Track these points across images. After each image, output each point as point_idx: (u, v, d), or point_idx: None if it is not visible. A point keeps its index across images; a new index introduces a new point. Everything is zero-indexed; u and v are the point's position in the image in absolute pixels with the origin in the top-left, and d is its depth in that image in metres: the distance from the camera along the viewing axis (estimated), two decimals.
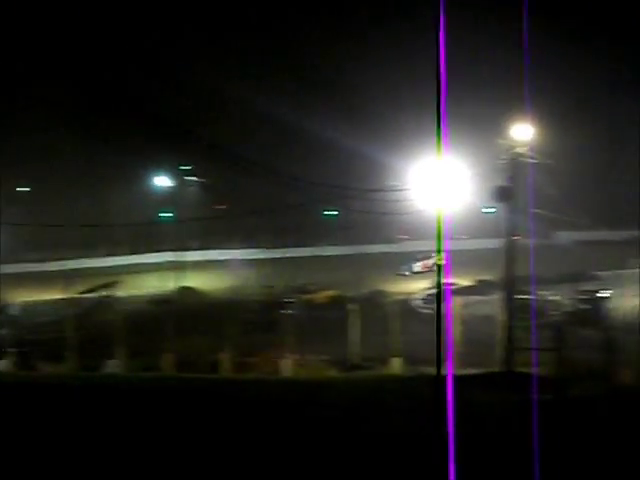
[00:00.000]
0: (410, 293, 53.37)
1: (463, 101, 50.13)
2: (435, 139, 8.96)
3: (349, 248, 73.82)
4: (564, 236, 73.87)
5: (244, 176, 72.52)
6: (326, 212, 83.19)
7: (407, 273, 65.94)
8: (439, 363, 9.32)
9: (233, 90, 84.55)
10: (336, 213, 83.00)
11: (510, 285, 31.43)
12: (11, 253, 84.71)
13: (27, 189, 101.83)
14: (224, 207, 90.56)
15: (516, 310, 30.96)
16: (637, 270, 47.54)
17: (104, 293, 53.17)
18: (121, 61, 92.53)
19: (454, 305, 32.40)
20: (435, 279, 9.81)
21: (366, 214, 61.40)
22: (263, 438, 17.55)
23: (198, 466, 15.75)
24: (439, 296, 9.73)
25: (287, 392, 25.55)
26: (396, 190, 55.36)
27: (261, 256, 76.13)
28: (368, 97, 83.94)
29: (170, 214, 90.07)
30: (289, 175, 64.84)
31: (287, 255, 75.96)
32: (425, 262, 65.63)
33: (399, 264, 65.70)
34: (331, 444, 16.94)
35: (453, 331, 28.89)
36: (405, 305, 45.06)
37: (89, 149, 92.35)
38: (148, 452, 16.49)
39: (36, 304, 57.42)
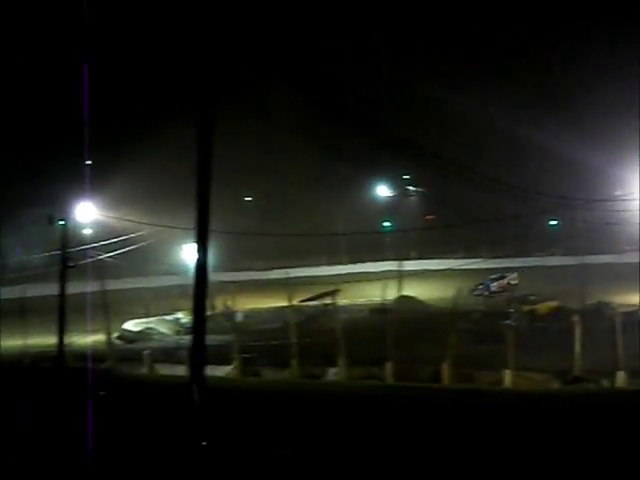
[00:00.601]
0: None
1: None
2: None
3: (573, 258, 71.86)
4: None
5: (464, 186, 71.92)
6: (550, 222, 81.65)
7: (486, 293, 65.63)
8: None
9: (456, 101, 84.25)
10: (558, 223, 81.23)
11: None
12: (236, 261, 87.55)
13: (250, 199, 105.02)
14: (432, 217, 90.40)
15: None
16: None
17: (326, 301, 53.93)
18: (347, 71, 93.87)
19: None
20: None
21: (590, 224, 59.76)
22: (493, 450, 17.22)
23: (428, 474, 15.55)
24: None
25: (508, 403, 25.11)
26: (622, 200, 53.79)
27: (482, 266, 75.26)
28: (591, 107, 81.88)
29: (390, 223, 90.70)
30: (510, 185, 63.90)
31: (508, 265, 74.78)
32: (501, 282, 67.72)
33: (624, 276, 63.45)
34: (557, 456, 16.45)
35: None
36: (631, 317, 43.38)
37: (311, 159, 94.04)
38: (376, 461, 16.45)
39: (260, 311, 59.06)
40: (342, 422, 20.87)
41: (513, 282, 68.40)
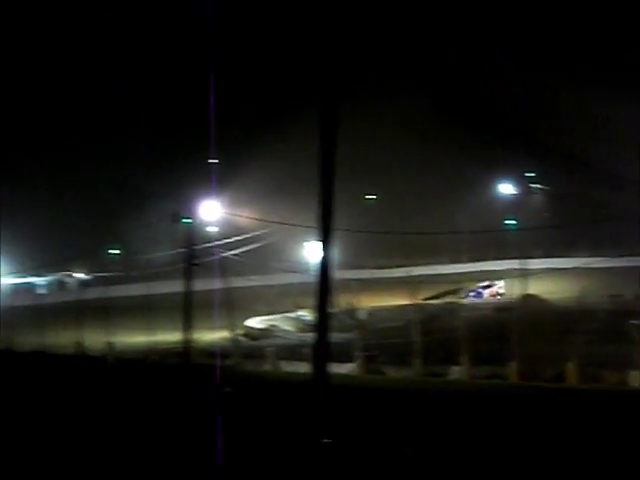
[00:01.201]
0: None
1: None
2: None
3: None
4: None
5: (590, 184, 70.74)
6: None
7: (478, 301, 64.25)
8: None
9: (585, 98, 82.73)
10: None
11: None
12: (359, 259, 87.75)
13: (373, 197, 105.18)
14: (547, 215, 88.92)
15: None
16: None
17: (448, 300, 53.63)
18: (473, 69, 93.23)
19: None
20: None
21: None
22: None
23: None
24: None
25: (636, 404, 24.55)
26: None
27: (607, 265, 73.64)
28: None
29: (514, 221, 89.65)
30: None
31: (635, 264, 72.98)
32: (491, 290, 68.57)
33: None
34: None
35: None
36: None
37: (435, 157, 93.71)
38: (502, 463, 16.26)
39: (382, 309, 59.05)
40: (467, 422, 20.70)
41: (501, 291, 69.03)
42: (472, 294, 66.26)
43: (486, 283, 69.76)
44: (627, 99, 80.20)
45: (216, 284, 44.51)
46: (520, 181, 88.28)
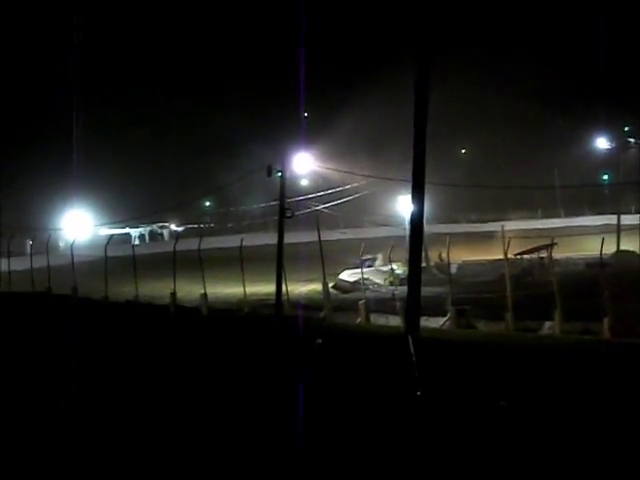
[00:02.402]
0: None
1: None
2: None
3: None
4: None
5: None
6: None
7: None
8: None
9: None
10: None
11: None
12: (451, 214, 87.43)
13: (464, 151, 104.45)
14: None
15: None
16: None
17: (541, 255, 53.12)
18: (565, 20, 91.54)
19: None
20: None
21: None
22: None
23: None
24: None
25: None
26: None
27: None
28: None
29: (609, 176, 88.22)
30: None
31: None
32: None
33: None
34: None
35: None
36: None
37: (531, 111, 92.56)
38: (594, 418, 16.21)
39: (474, 264, 58.80)
40: (558, 376, 20.65)
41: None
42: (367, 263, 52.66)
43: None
44: None
45: (308, 237, 44.84)
46: (618, 135, 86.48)
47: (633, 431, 15.11)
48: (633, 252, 59.86)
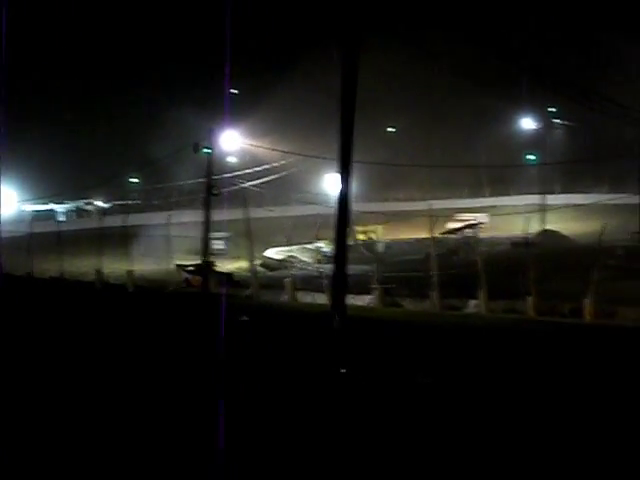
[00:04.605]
0: None
1: None
2: None
3: None
4: None
5: (612, 120, 69.97)
6: None
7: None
8: None
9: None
10: None
11: None
12: (378, 192, 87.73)
13: (392, 129, 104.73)
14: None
15: None
16: None
17: (467, 234, 53.67)
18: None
19: None
20: None
21: None
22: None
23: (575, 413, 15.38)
24: None
25: None
26: None
27: (628, 202, 73.39)
28: None
29: (534, 157, 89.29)
30: None
31: None
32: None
33: None
34: None
35: None
36: None
37: (457, 92, 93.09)
38: (521, 394, 16.41)
39: (401, 242, 59.17)
40: (484, 354, 20.88)
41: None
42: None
43: None
44: None
45: (235, 214, 44.66)
46: (543, 116, 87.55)
47: (550, 408, 15.34)
48: (558, 232, 60.80)
